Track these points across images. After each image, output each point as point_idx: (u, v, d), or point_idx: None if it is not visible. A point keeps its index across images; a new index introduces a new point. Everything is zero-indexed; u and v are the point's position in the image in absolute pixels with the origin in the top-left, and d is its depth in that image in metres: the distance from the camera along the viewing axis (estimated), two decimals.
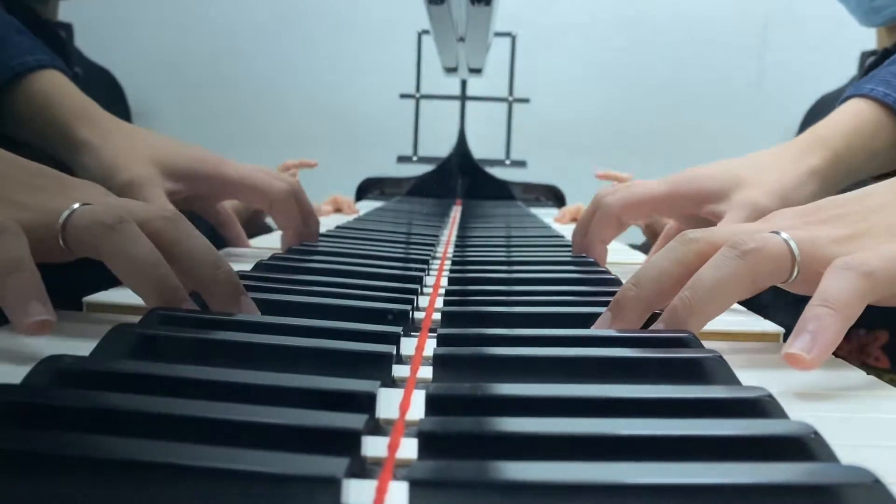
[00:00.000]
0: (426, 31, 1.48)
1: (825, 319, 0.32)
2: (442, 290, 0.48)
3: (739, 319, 0.44)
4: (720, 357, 0.30)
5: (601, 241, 0.63)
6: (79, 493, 0.19)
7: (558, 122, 1.97)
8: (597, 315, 0.38)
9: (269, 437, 0.22)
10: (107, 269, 0.37)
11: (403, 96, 1.58)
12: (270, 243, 0.76)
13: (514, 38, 1.58)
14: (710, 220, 0.60)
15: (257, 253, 0.67)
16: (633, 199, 0.62)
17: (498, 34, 1.37)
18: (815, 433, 0.22)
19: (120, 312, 0.42)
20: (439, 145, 1.58)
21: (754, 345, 0.40)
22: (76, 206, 0.38)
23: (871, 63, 0.96)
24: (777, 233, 0.37)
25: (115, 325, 0.32)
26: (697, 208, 0.62)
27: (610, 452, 0.22)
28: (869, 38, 1.02)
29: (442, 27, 0.91)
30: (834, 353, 0.34)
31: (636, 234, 1.08)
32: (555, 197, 1.57)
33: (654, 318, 0.38)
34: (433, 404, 0.25)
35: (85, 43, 1.12)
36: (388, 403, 0.27)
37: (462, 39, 1.00)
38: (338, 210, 1.22)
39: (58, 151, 0.64)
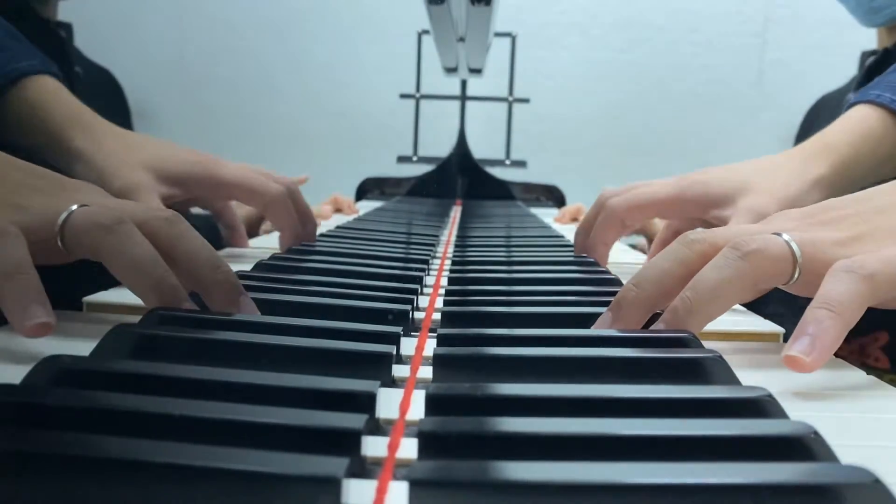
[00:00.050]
0: (426, 31, 1.48)
1: (825, 322, 0.32)
2: (442, 290, 0.48)
3: (739, 319, 0.45)
4: (720, 357, 0.30)
5: (603, 243, 0.62)
6: (79, 493, 0.19)
7: (558, 122, 1.97)
8: (597, 315, 0.38)
9: (269, 437, 0.22)
10: (106, 269, 0.37)
11: (403, 96, 1.58)
12: (270, 244, 0.76)
13: (514, 38, 1.58)
14: (711, 224, 0.60)
15: (257, 253, 0.67)
16: (638, 202, 0.61)
17: (498, 34, 1.37)
18: (815, 433, 0.22)
19: (120, 312, 0.42)
20: (439, 145, 1.58)
21: (754, 345, 0.40)
22: (74, 207, 0.37)
23: (872, 63, 0.96)
24: (779, 234, 0.37)
25: (115, 325, 0.32)
26: (703, 212, 0.61)
27: (610, 452, 0.22)
28: (869, 39, 1.02)
29: (442, 27, 0.91)
30: (834, 354, 0.34)
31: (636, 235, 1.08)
32: (555, 197, 1.57)
33: (654, 318, 0.38)
34: (433, 404, 0.25)
35: (85, 43, 1.11)
36: (388, 403, 0.27)
37: (462, 39, 0.99)
38: (338, 210, 1.22)
39: (51, 158, 0.63)
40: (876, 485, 0.19)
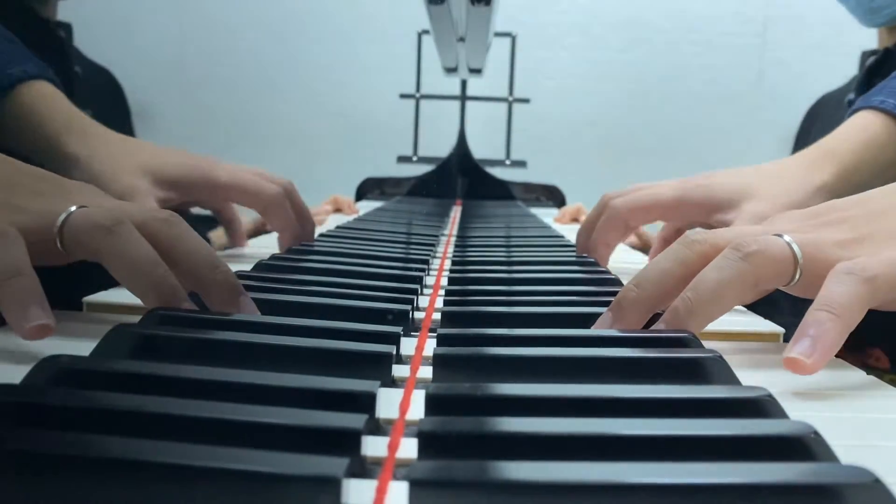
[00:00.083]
0: (426, 31, 1.48)
1: (826, 324, 0.32)
2: (442, 291, 0.48)
3: (740, 319, 0.44)
4: (720, 357, 0.30)
5: (605, 244, 0.62)
6: (78, 492, 0.19)
7: (558, 122, 1.97)
8: (597, 315, 0.38)
9: (269, 437, 0.22)
10: (106, 269, 0.37)
11: (403, 96, 1.58)
12: (270, 244, 0.76)
13: (514, 38, 1.58)
14: (713, 228, 0.60)
15: (257, 253, 0.67)
16: (641, 204, 0.61)
17: (498, 34, 1.37)
18: (815, 433, 0.22)
19: (120, 312, 0.42)
20: (439, 145, 1.58)
21: (754, 345, 0.40)
22: (73, 208, 0.37)
23: (872, 63, 0.96)
24: (780, 235, 0.37)
25: (115, 325, 0.32)
26: (706, 217, 0.61)
27: (610, 452, 0.22)
28: (869, 38, 1.02)
29: (442, 27, 0.90)
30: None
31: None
32: (555, 197, 1.57)
33: (654, 318, 0.38)
34: (433, 404, 0.25)
35: (85, 42, 1.11)
36: (388, 403, 0.27)
37: (462, 39, 0.99)
38: (338, 210, 1.22)
39: (48, 164, 0.63)
40: (876, 485, 0.19)
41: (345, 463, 0.19)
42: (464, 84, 1.54)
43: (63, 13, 0.99)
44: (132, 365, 0.28)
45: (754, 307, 0.47)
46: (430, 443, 0.22)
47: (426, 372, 0.31)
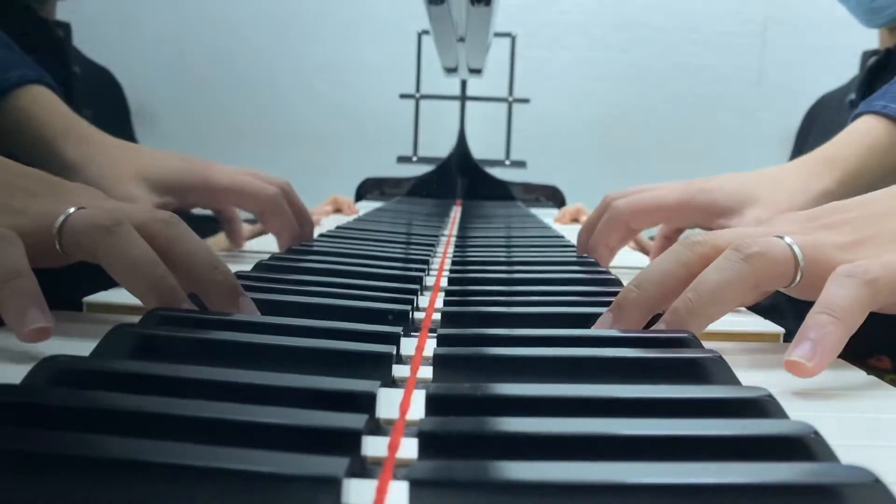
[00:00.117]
0: (426, 31, 1.48)
1: (827, 327, 0.32)
2: (442, 291, 0.48)
3: (740, 319, 0.44)
4: (720, 357, 0.30)
5: (605, 245, 0.62)
6: (78, 493, 0.19)
7: (558, 122, 1.97)
8: (597, 315, 0.38)
9: (269, 437, 0.22)
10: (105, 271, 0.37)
11: (403, 96, 1.58)
12: (269, 244, 0.76)
13: (514, 38, 1.58)
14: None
15: (257, 253, 0.67)
16: (644, 206, 0.61)
17: (498, 34, 1.37)
18: (815, 433, 0.22)
19: (120, 312, 0.42)
20: (439, 145, 1.58)
21: (754, 345, 0.40)
22: (72, 210, 0.37)
23: (873, 63, 0.96)
24: (781, 237, 0.37)
25: (115, 325, 0.32)
26: (708, 221, 0.61)
27: (610, 452, 0.22)
28: (870, 39, 1.02)
29: (442, 27, 0.91)
30: None
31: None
32: (555, 197, 1.57)
33: (655, 319, 0.38)
34: (433, 404, 0.25)
35: (84, 42, 1.11)
36: (388, 403, 0.27)
37: (462, 39, 0.99)
38: (338, 210, 1.22)
39: (45, 169, 0.63)
40: (876, 485, 0.19)
41: (345, 463, 0.19)
42: (464, 84, 1.55)
43: (62, 13, 0.99)
44: (132, 365, 0.28)
45: (756, 311, 0.47)
46: (430, 443, 0.22)
47: (426, 372, 0.31)
